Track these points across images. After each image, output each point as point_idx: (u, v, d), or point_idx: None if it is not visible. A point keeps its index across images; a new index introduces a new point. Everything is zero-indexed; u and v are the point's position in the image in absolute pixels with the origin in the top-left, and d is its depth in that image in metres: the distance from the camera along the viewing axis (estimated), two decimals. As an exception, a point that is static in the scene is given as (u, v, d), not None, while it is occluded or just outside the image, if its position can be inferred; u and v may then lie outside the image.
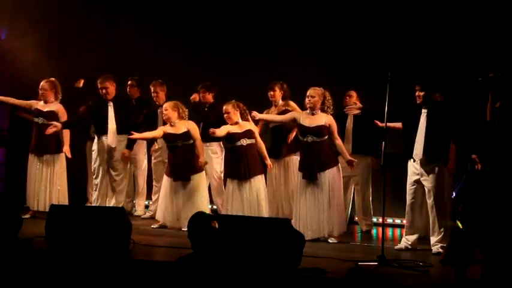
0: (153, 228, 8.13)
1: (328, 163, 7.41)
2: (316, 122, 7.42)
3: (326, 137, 7.45)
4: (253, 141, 7.81)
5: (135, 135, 8.02)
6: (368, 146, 8.16)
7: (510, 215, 5.30)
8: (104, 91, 8.33)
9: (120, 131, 8.37)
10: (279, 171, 8.37)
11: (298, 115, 7.54)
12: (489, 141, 5.62)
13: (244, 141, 7.77)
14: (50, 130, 8.18)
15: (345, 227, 7.57)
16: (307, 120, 7.46)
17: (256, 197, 7.72)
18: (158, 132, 8.10)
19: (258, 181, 7.77)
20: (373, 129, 7.74)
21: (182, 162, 7.93)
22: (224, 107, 7.85)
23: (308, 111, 7.51)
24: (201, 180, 8.02)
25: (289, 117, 7.65)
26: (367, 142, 8.15)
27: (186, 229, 7.18)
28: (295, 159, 8.28)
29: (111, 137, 8.36)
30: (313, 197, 7.41)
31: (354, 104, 7.98)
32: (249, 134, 7.78)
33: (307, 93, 7.48)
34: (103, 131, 8.40)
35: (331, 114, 7.54)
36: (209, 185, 8.54)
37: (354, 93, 8.30)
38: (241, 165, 7.74)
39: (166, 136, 8.00)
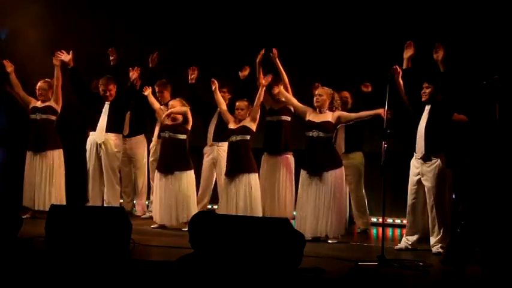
0: (153, 228, 8.13)
1: (331, 164, 7.43)
2: (322, 118, 7.48)
3: (331, 135, 7.49)
4: (245, 137, 7.83)
5: (148, 93, 8.25)
6: (360, 144, 8.19)
7: (510, 215, 5.30)
8: (107, 93, 8.39)
9: (110, 129, 8.39)
10: (272, 167, 8.34)
11: (310, 111, 7.59)
12: (494, 142, 5.62)
13: (234, 138, 7.84)
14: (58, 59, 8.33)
15: (344, 230, 7.55)
16: (315, 117, 7.53)
17: (244, 195, 7.74)
18: (160, 108, 8.26)
19: (247, 179, 7.78)
20: (366, 127, 7.77)
21: (166, 155, 7.98)
22: (238, 103, 7.91)
23: (316, 109, 7.57)
24: (186, 179, 8.01)
25: (302, 107, 7.66)
26: (359, 140, 8.19)
27: (184, 228, 7.27)
28: (288, 158, 8.31)
29: (98, 133, 8.39)
30: (314, 196, 7.42)
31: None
32: (241, 130, 7.82)
33: (316, 92, 7.58)
34: (94, 128, 8.45)
35: None
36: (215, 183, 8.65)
37: (347, 94, 8.30)
38: (230, 161, 7.84)
39: (162, 125, 8.13)
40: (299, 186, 7.61)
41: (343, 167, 7.55)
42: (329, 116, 7.49)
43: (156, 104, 8.36)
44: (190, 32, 10.26)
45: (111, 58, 8.90)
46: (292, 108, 8.17)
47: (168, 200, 7.98)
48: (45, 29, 9.52)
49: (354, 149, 8.28)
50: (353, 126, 8.06)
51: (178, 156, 7.98)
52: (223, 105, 8.06)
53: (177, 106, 8.04)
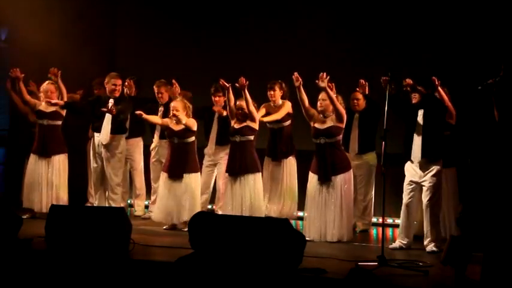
0: (165, 229, 8.08)
1: (341, 167, 7.45)
2: (327, 124, 7.48)
3: (339, 138, 7.50)
4: (249, 138, 7.85)
5: (143, 115, 8.09)
6: (373, 144, 8.20)
7: (510, 215, 5.29)
8: (114, 87, 8.39)
9: (115, 131, 8.40)
10: (274, 171, 8.41)
11: (316, 115, 7.56)
12: (495, 143, 5.62)
13: (238, 138, 7.84)
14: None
15: (352, 233, 7.60)
16: (320, 122, 7.53)
17: (250, 194, 7.78)
18: (162, 120, 8.19)
19: (251, 179, 7.82)
20: (378, 127, 7.78)
21: (176, 159, 7.96)
22: (238, 103, 7.89)
23: (320, 114, 7.55)
24: (193, 181, 8.01)
25: (311, 110, 7.58)
26: (371, 141, 8.19)
27: (185, 229, 7.26)
28: (291, 160, 8.37)
29: (103, 134, 8.40)
30: (324, 200, 7.45)
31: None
32: (244, 130, 7.84)
33: (319, 97, 7.51)
34: (99, 129, 8.45)
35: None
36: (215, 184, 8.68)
37: (360, 95, 8.28)
38: (235, 161, 7.84)
39: (166, 129, 8.09)
40: (308, 188, 7.61)
41: (351, 171, 7.58)
42: (333, 120, 7.47)
43: (156, 119, 8.29)
44: (189, 30, 10.28)
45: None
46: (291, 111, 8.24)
47: (173, 201, 7.96)
48: (46, 29, 9.54)
49: (367, 150, 8.28)
50: (366, 126, 8.11)
51: (187, 160, 7.96)
52: (232, 102, 7.96)
53: (179, 107, 7.99)
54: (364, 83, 8.05)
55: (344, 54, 9.30)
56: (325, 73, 7.20)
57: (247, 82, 7.68)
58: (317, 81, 7.23)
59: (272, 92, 8.35)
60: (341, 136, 7.57)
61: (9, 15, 9.63)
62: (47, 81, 8.55)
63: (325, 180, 7.44)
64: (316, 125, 7.53)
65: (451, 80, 8.37)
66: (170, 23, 10.35)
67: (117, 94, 8.43)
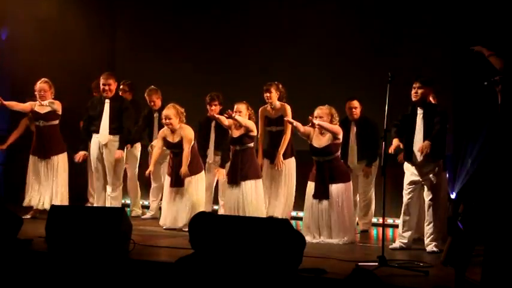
0: (165, 229, 8.10)
1: (339, 178, 7.43)
2: (325, 142, 7.45)
3: (336, 154, 7.48)
4: (249, 146, 7.88)
5: (150, 168, 8.14)
6: (374, 156, 8.21)
7: (510, 215, 5.29)
8: (106, 87, 8.34)
9: (113, 131, 8.39)
10: (272, 172, 8.43)
11: (312, 133, 7.51)
12: (496, 142, 5.61)
13: (238, 147, 7.89)
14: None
15: (354, 236, 7.56)
16: (317, 140, 7.49)
17: (250, 201, 7.78)
18: (159, 144, 8.14)
19: (253, 185, 7.83)
20: (377, 135, 7.79)
21: (177, 169, 7.96)
22: (236, 106, 7.88)
23: (317, 130, 7.49)
24: (196, 183, 8.02)
25: (308, 131, 7.54)
26: (372, 147, 8.18)
27: (185, 229, 7.27)
28: (290, 162, 8.38)
29: (102, 134, 8.39)
30: (322, 208, 7.44)
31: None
32: (242, 139, 7.85)
33: (315, 114, 7.41)
34: (97, 130, 8.45)
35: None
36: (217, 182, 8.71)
37: (357, 103, 8.26)
38: (236, 169, 7.86)
39: (164, 141, 8.08)
40: (307, 193, 7.58)
41: (350, 182, 7.57)
42: (330, 137, 7.42)
43: (158, 151, 8.19)
44: (188, 32, 10.29)
45: None
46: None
47: (178, 206, 8.01)
48: (45, 29, 9.56)
49: (366, 157, 8.29)
50: (366, 133, 8.16)
51: (189, 167, 7.95)
52: (226, 122, 7.97)
53: (172, 116, 7.96)
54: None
55: (342, 60, 9.29)
56: (313, 114, 7.29)
57: (235, 112, 7.73)
58: (309, 125, 7.36)
59: (268, 94, 8.34)
60: (339, 152, 7.55)
61: (9, 15, 9.66)
62: (40, 80, 8.52)
63: (320, 197, 7.43)
64: (314, 144, 7.49)
65: (455, 76, 8.38)
66: (170, 24, 10.37)
67: (109, 94, 8.38)
